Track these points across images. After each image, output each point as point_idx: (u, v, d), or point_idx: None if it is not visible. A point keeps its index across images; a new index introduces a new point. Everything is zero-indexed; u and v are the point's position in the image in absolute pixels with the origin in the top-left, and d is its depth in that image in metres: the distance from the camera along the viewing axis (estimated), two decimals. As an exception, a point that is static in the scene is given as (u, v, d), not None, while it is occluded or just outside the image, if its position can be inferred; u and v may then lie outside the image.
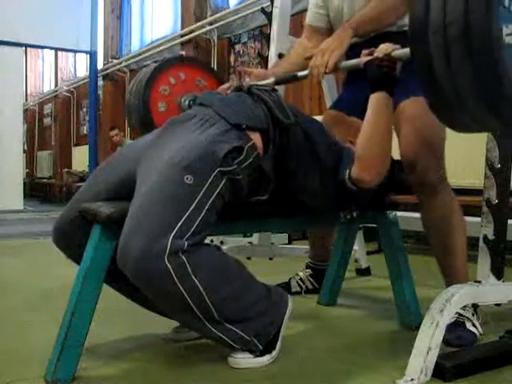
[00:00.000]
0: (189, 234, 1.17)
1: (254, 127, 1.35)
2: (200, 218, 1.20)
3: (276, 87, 1.75)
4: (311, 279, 2.20)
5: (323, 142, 1.47)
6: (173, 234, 1.15)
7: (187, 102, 2.17)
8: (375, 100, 1.41)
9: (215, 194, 1.24)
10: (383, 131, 1.41)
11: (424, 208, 1.73)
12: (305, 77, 1.68)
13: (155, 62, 2.22)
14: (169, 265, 1.14)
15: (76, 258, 1.38)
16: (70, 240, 1.40)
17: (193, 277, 1.17)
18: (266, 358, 1.35)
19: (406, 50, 1.34)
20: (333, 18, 1.91)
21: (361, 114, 1.81)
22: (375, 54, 1.41)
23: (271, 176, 1.40)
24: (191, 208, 1.19)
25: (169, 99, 2.18)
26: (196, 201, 1.20)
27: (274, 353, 1.37)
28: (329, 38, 1.64)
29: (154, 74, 2.17)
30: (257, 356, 1.34)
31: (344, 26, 1.65)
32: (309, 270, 2.22)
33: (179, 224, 1.16)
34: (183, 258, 1.16)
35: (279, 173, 1.42)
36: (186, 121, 1.37)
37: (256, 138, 1.35)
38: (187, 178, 1.20)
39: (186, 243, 1.16)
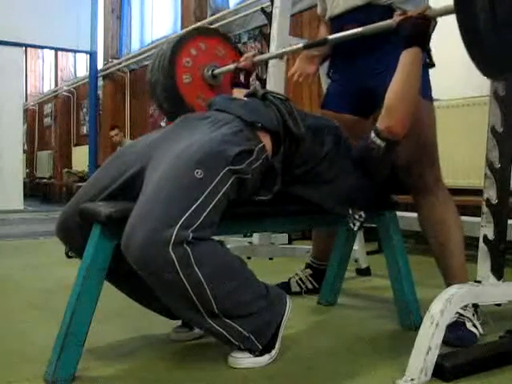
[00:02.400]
0: (194, 226, 1.18)
1: (267, 128, 1.38)
2: (206, 212, 1.21)
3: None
4: (311, 279, 2.20)
5: (333, 141, 1.49)
6: (179, 225, 1.16)
7: (210, 73, 2.24)
8: (408, 54, 1.43)
9: (223, 191, 1.25)
10: (413, 84, 1.45)
11: (421, 209, 1.75)
12: (335, 40, 1.69)
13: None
14: (173, 254, 1.14)
15: (80, 253, 1.38)
16: (74, 236, 1.41)
17: (196, 268, 1.18)
18: (266, 358, 1.35)
19: (441, 8, 1.38)
20: None
21: (350, 109, 1.83)
22: (409, 14, 1.44)
23: (278, 178, 1.41)
24: (199, 201, 1.20)
25: (192, 71, 2.26)
26: (204, 195, 1.21)
27: (274, 352, 1.37)
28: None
29: (176, 48, 2.23)
30: (257, 356, 1.34)
31: None
32: (308, 270, 2.22)
33: (186, 215, 1.17)
34: (188, 248, 1.16)
35: (286, 175, 1.44)
36: (199, 119, 1.41)
37: (266, 140, 1.38)
38: (197, 172, 1.22)
39: (191, 235, 1.17)
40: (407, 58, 1.44)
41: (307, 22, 4.58)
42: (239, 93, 1.88)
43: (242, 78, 1.99)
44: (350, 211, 1.50)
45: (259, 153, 1.33)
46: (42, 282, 2.47)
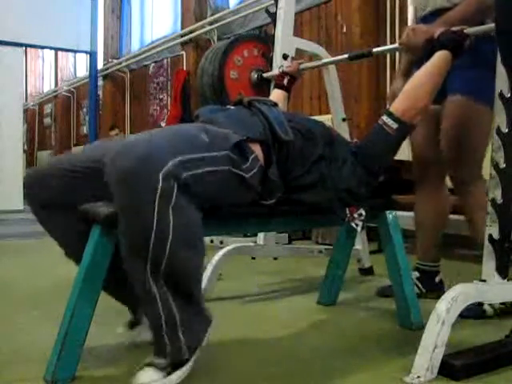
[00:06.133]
0: (191, 173, 1.15)
1: (255, 139, 1.37)
2: (205, 170, 1.19)
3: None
4: (417, 282, 2.04)
5: (324, 142, 1.49)
6: (178, 159, 1.13)
7: (256, 76, 2.49)
8: (440, 54, 1.59)
9: (221, 168, 1.23)
10: (434, 81, 1.58)
11: (466, 199, 1.88)
12: (378, 53, 1.86)
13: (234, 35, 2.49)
14: (160, 182, 1.09)
15: (44, 205, 1.37)
16: (48, 186, 1.36)
17: (170, 210, 1.11)
18: (177, 374, 1.22)
19: (477, 28, 1.62)
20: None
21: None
22: (451, 29, 1.62)
23: (278, 183, 1.40)
24: (202, 155, 1.19)
25: (240, 69, 2.47)
26: (207, 154, 1.21)
27: (185, 369, 1.24)
28: (422, 25, 1.83)
29: (231, 45, 2.45)
30: (168, 373, 1.21)
31: (441, 21, 1.78)
32: (416, 273, 2.06)
33: (186, 157, 1.15)
34: (175, 186, 1.12)
35: (284, 180, 1.43)
36: None
37: (257, 149, 1.37)
38: (204, 136, 1.23)
39: (184, 174, 1.13)
40: (438, 57, 1.59)
41: (307, 21, 4.57)
42: (278, 94, 2.10)
43: (285, 81, 2.13)
44: (348, 211, 1.50)
45: (253, 162, 1.33)
46: (42, 281, 2.46)
